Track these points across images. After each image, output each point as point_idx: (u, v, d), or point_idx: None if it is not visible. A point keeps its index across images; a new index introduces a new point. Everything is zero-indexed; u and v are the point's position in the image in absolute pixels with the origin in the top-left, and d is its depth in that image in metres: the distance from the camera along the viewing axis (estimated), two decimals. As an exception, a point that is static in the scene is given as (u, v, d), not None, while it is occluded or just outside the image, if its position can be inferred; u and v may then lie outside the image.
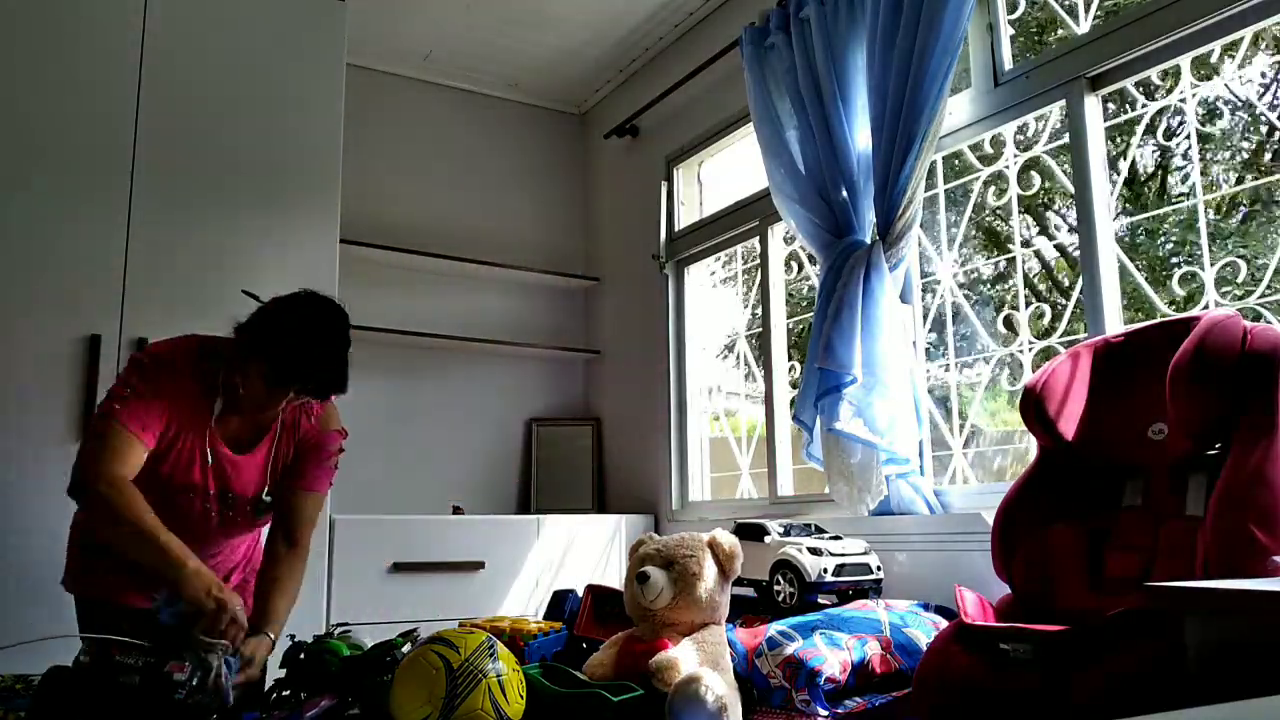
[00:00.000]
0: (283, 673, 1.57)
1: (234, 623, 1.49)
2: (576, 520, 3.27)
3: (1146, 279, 2.21)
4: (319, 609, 2.68)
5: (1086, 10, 2.26)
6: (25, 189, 2.47)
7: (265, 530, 1.87)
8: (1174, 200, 4.35)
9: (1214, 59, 2.09)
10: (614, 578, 3.20)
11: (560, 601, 2.15)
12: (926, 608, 2.01)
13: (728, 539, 1.67)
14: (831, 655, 1.71)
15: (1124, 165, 3.50)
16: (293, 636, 1.64)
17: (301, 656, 1.57)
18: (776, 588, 2.09)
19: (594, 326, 4.08)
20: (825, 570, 2.04)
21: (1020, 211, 2.58)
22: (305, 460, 1.80)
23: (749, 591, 2.17)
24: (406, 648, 1.54)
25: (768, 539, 2.15)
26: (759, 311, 3.17)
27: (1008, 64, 2.38)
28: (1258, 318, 1.95)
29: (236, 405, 1.71)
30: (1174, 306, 2.40)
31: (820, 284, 2.53)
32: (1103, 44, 2.12)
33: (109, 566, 1.72)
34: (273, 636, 1.67)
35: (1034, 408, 1.71)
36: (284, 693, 1.55)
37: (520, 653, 1.80)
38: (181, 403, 1.67)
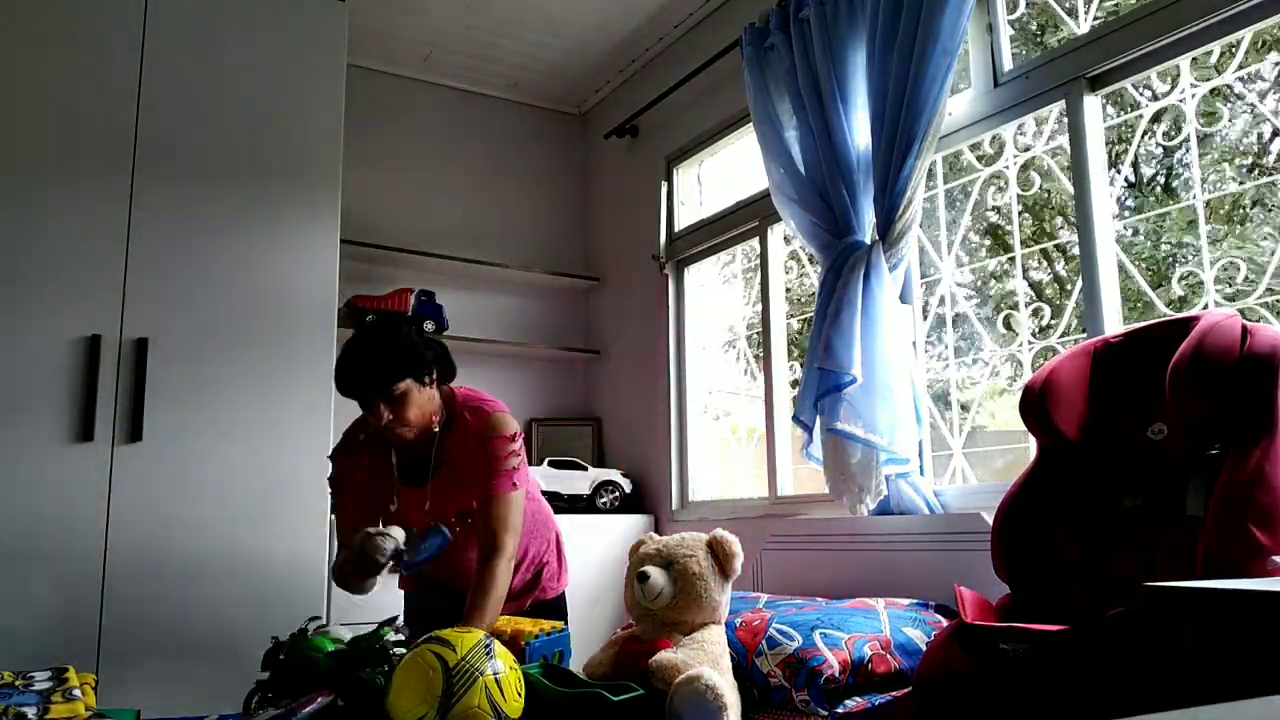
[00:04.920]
0: (264, 676, 1.55)
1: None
2: (576, 520, 3.27)
3: (1146, 280, 2.21)
4: (319, 609, 2.68)
5: (1086, 10, 2.26)
6: (25, 189, 2.47)
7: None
8: (1164, 201, 4.36)
9: (1214, 59, 2.10)
10: (614, 578, 3.20)
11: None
12: (926, 607, 2.01)
13: (728, 539, 1.67)
14: (831, 655, 1.71)
15: (1125, 166, 3.50)
16: (275, 638, 1.62)
17: (281, 657, 1.55)
18: None
19: (594, 326, 4.08)
20: None
21: (1020, 211, 2.58)
22: (473, 474, 1.90)
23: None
24: (391, 635, 1.54)
25: None
26: (759, 311, 3.17)
27: (1007, 64, 2.39)
28: (1257, 318, 1.95)
29: (388, 442, 1.94)
30: (1172, 307, 2.40)
31: (820, 284, 2.53)
32: (1103, 44, 2.12)
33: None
34: None
35: (1034, 407, 1.71)
36: (267, 695, 1.53)
37: (520, 653, 1.79)
38: (364, 470, 1.98)
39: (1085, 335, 2.09)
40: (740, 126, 3.27)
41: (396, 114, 3.82)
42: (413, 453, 1.95)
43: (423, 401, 1.87)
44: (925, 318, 2.60)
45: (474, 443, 1.90)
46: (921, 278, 2.60)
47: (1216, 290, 2.03)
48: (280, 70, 2.86)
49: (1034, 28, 4.15)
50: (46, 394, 2.43)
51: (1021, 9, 2.47)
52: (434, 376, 1.90)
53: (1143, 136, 2.43)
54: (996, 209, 3.07)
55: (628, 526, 3.36)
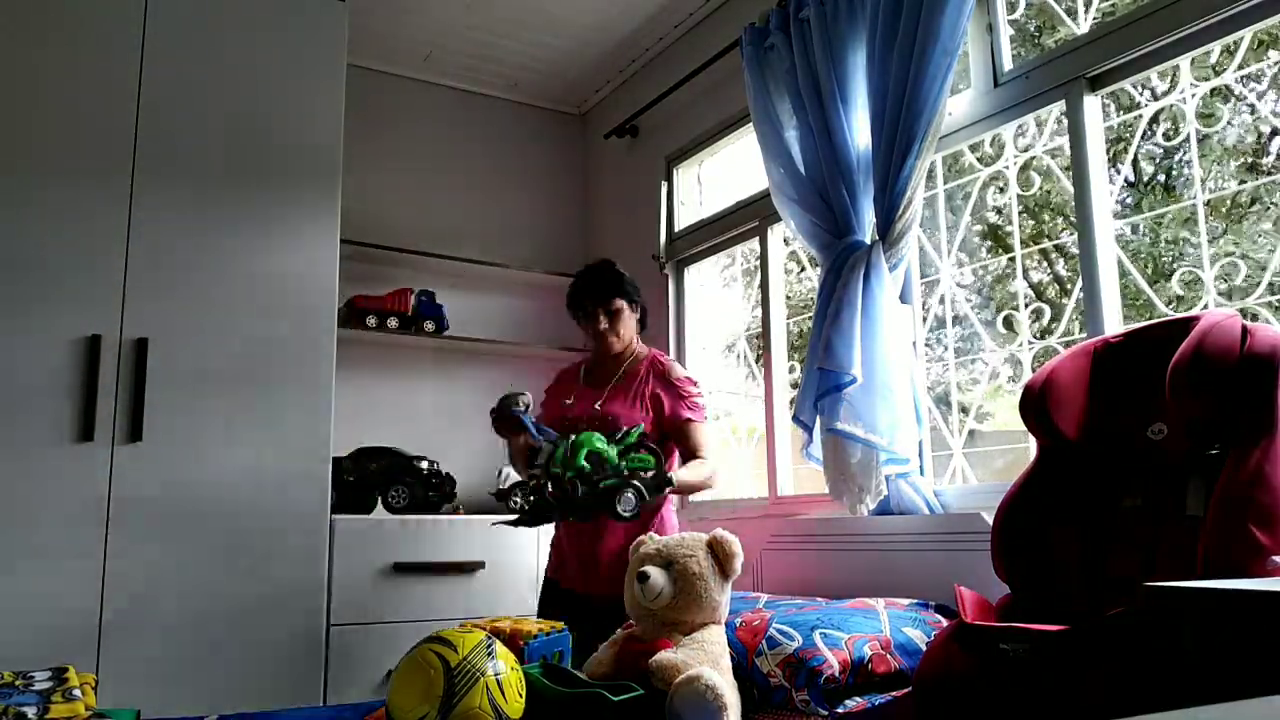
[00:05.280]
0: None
1: None
2: (576, 520, 3.27)
3: (1146, 279, 2.21)
4: (319, 608, 2.69)
5: (1086, 10, 2.26)
6: (25, 189, 2.47)
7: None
8: (1164, 201, 4.36)
9: (1214, 59, 2.10)
10: (614, 578, 3.20)
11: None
12: (926, 607, 2.01)
13: (728, 539, 1.67)
14: (831, 655, 1.71)
15: (1125, 166, 3.50)
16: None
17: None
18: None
19: (594, 327, 4.07)
20: None
21: (1020, 212, 2.58)
22: (667, 403, 2.37)
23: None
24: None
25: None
26: (759, 311, 3.17)
27: (1007, 64, 2.39)
28: (1256, 317, 1.95)
29: (597, 356, 2.50)
30: (1171, 306, 2.41)
31: (820, 284, 2.53)
32: (1102, 44, 2.12)
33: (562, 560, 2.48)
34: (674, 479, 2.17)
35: (1034, 407, 1.71)
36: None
37: (520, 653, 1.80)
38: (562, 383, 2.57)
39: (1085, 335, 2.09)
40: (740, 126, 3.27)
41: (396, 114, 3.82)
42: (602, 368, 2.47)
43: (629, 324, 2.45)
44: (925, 318, 2.60)
45: (660, 373, 2.40)
46: (921, 278, 2.60)
47: (1216, 290, 2.03)
48: (280, 70, 2.86)
49: (1031, 29, 4.16)
50: (46, 394, 2.43)
51: (1021, 9, 2.47)
52: (640, 314, 2.50)
53: (1142, 136, 2.43)
54: (997, 209, 3.07)
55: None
